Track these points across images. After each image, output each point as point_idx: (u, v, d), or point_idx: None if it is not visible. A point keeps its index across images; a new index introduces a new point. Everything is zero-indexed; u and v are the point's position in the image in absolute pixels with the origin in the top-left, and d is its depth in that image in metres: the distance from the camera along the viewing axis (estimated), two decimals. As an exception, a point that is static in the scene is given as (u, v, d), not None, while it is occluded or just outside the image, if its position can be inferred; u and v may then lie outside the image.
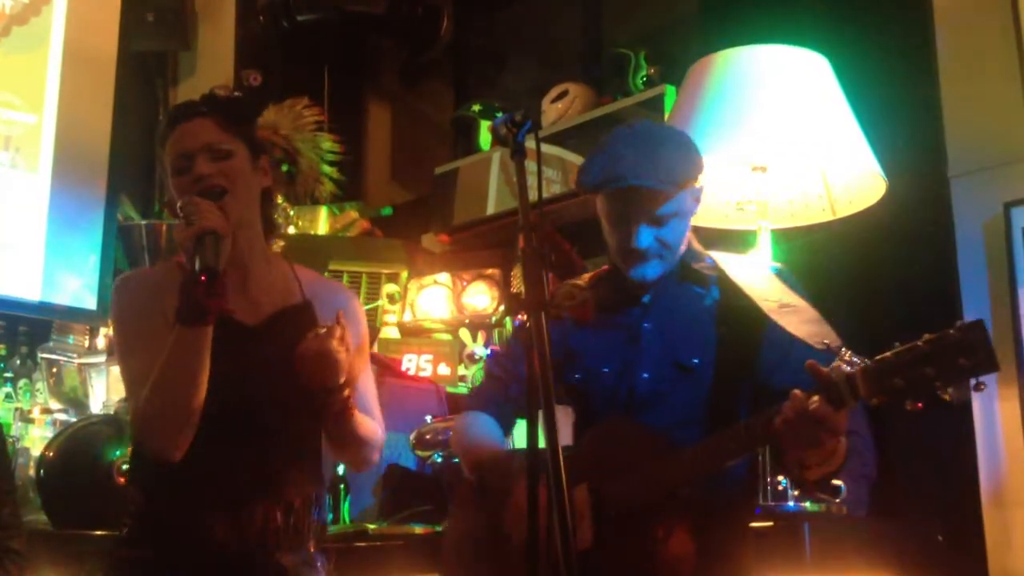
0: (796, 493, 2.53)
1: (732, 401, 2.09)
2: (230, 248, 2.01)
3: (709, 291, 2.18)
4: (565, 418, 2.63)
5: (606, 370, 2.14)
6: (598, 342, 2.19)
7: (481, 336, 4.01)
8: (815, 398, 1.81)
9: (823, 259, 3.18)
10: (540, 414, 1.68)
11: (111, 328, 2.20)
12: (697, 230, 3.06)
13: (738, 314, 2.10)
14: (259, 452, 2.09)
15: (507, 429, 2.33)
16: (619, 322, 2.18)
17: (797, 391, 1.83)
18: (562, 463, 1.65)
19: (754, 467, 2.21)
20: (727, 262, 2.20)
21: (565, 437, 2.72)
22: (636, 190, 2.12)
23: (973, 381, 1.71)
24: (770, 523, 2.44)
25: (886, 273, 3.21)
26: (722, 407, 2.06)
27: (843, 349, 1.82)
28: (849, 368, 1.78)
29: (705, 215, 3.08)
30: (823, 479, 2.00)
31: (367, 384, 2.24)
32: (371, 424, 2.19)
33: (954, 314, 3.11)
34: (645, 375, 2.12)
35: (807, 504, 2.52)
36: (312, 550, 2.15)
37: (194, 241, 1.94)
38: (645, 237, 2.13)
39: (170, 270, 2.17)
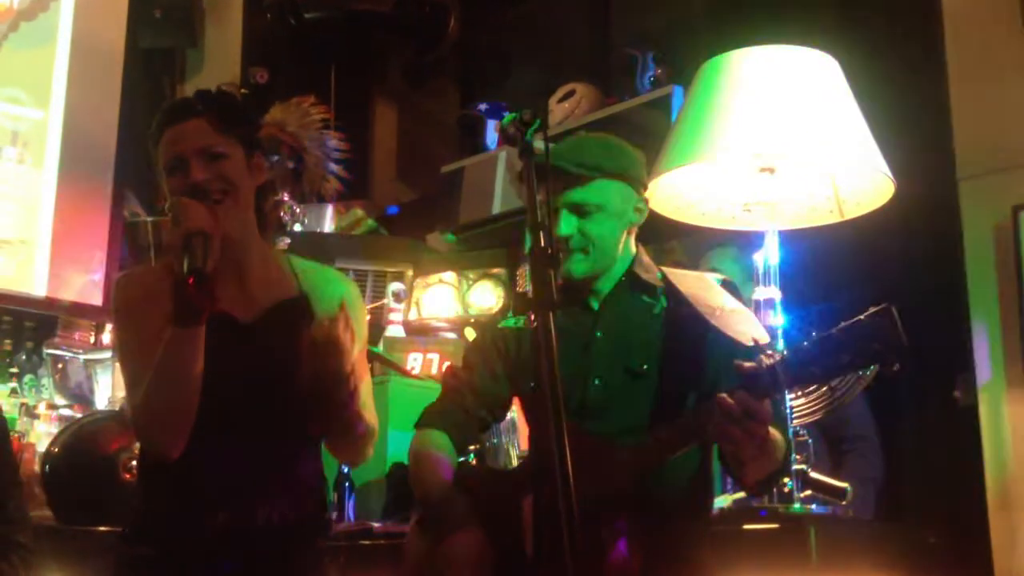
0: (802, 495, 2.53)
1: (678, 407, 2.14)
2: (219, 248, 1.99)
3: (658, 300, 2.24)
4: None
5: (559, 377, 2.15)
6: None
7: (486, 335, 4.00)
8: (738, 391, 1.89)
9: (831, 261, 3.17)
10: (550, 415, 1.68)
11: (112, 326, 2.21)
12: (700, 233, 3.09)
13: (684, 322, 2.17)
14: (259, 448, 2.09)
15: (463, 444, 2.34)
16: (572, 330, 2.19)
17: (723, 394, 1.91)
18: (564, 469, 1.66)
19: (706, 466, 2.23)
20: (674, 274, 2.29)
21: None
22: (559, 172, 2.17)
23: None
24: (775, 525, 2.43)
25: (894, 275, 3.20)
26: (669, 413, 2.10)
27: (771, 346, 1.93)
28: (770, 360, 1.87)
29: (712, 216, 3.08)
30: (768, 479, 2.09)
31: (362, 373, 2.21)
32: (368, 416, 2.19)
33: (962, 316, 3.11)
34: (597, 381, 2.17)
35: (813, 506, 2.52)
36: (317, 545, 2.16)
37: (182, 242, 1.94)
38: (566, 224, 2.19)
39: (168, 268, 2.14)
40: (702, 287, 2.23)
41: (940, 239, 3.14)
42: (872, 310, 1.80)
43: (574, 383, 2.15)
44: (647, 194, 2.33)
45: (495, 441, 3.21)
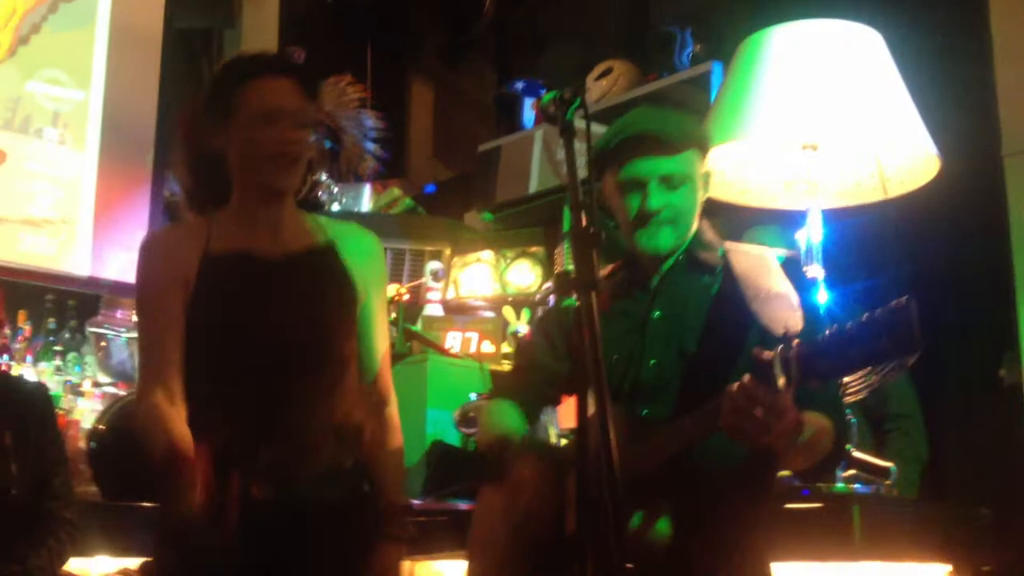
0: (845, 475, 2.51)
1: (713, 391, 2.02)
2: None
3: (715, 280, 2.17)
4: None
5: (615, 357, 2.13)
6: (609, 329, 2.18)
7: (524, 314, 4.01)
8: (749, 378, 1.82)
9: (874, 239, 3.14)
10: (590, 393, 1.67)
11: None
12: (742, 211, 3.06)
13: (731, 304, 2.11)
14: (306, 387, 2.10)
15: (530, 417, 2.33)
16: (628, 310, 2.17)
17: (746, 376, 1.83)
18: (613, 442, 1.64)
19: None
20: (736, 251, 2.20)
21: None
22: (644, 141, 2.13)
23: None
24: (819, 504, 2.42)
25: (938, 253, 3.17)
26: (704, 397, 2.00)
27: (797, 335, 1.83)
28: (787, 352, 1.79)
29: (754, 195, 3.06)
30: (818, 468, 2.03)
31: (382, 329, 2.26)
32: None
33: (1008, 294, 3.07)
34: (652, 362, 2.12)
35: (856, 486, 2.50)
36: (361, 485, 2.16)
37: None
38: (657, 198, 2.13)
39: (194, 229, 2.17)
40: (758, 266, 2.14)
41: (985, 216, 3.10)
42: (891, 304, 1.68)
43: (629, 364, 2.12)
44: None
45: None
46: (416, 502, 3.12)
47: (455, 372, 3.61)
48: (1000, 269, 3.04)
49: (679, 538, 1.95)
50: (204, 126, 2.16)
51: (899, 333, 1.66)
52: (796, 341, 1.78)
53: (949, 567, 2.59)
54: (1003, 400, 3.03)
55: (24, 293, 3.83)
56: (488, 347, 3.96)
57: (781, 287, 2.08)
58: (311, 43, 5.18)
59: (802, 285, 2.12)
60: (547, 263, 4.17)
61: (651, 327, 2.15)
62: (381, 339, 2.26)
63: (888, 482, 2.55)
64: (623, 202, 2.18)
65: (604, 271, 2.26)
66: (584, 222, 1.77)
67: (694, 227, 2.20)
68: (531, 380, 2.29)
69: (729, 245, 2.23)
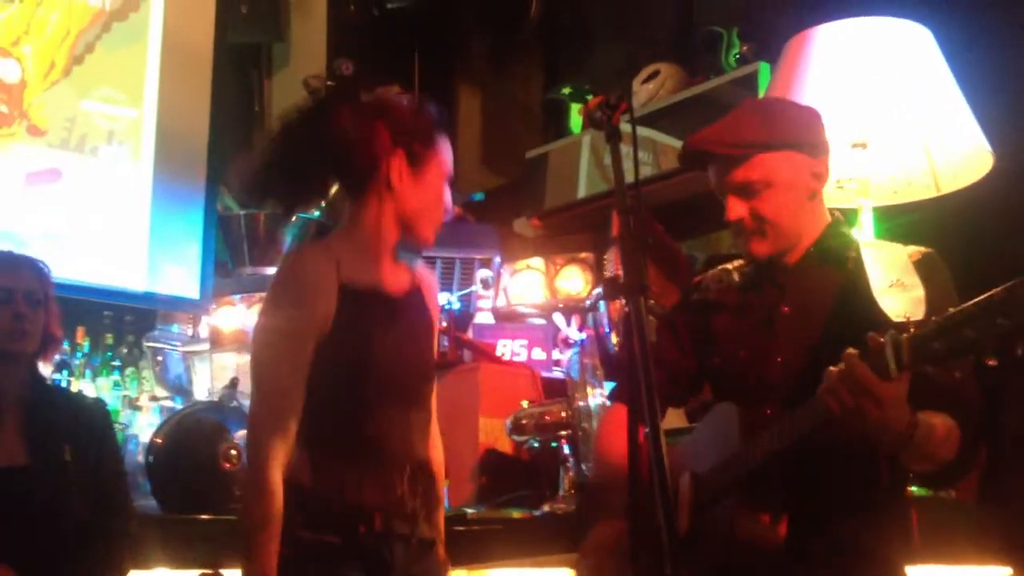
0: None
1: None
2: None
3: (845, 274, 2.07)
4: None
5: (742, 354, 2.09)
6: (736, 326, 2.14)
7: (575, 320, 4.00)
8: (849, 354, 1.75)
9: (927, 238, 3.08)
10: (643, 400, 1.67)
11: (270, 291, 2.20)
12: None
13: (856, 298, 2.01)
14: (420, 417, 2.22)
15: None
16: (757, 305, 2.11)
17: (847, 357, 1.76)
18: (664, 451, 1.63)
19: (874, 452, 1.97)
20: (868, 246, 2.11)
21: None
22: (708, 156, 2.10)
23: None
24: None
25: (994, 250, 3.11)
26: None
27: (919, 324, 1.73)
28: (899, 336, 1.71)
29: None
30: (941, 475, 1.93)
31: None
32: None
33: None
34: (779, 360, 2.05)
35: (914, 488, 2.46)
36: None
37: None
38: (734, 209, 2.08)
39: (327, 252, 2.17)
40: (889, 260, 2.04)
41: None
42: (1007, 284, 1.60)
43: (755, 360, 2.07)
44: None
45: (586, 426, 3.20)
46: (470, 511, 3.12)
47: (507, 380, 3.61)
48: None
49: (797, 539, 1.91)
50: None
51: (1020, 311, 1.58)
52: (911, 326, 1.70)
53: (1009, 570, 2.54)
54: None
55: (82, 309, 3.89)
56: (539, 354, 3.95)
57: (908, 279, 1.98)
58: (359, 54, 5.22)
59: (936, 281, 2.00)
60: (597, 268, 4.16)
61: (779, 323, 2.07)
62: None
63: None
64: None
65: (734, 264, 2.23)
66: (632, 226, 1.77)
67: (802, 225, 2.09)
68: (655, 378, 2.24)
69: (863, 240, 2.15)
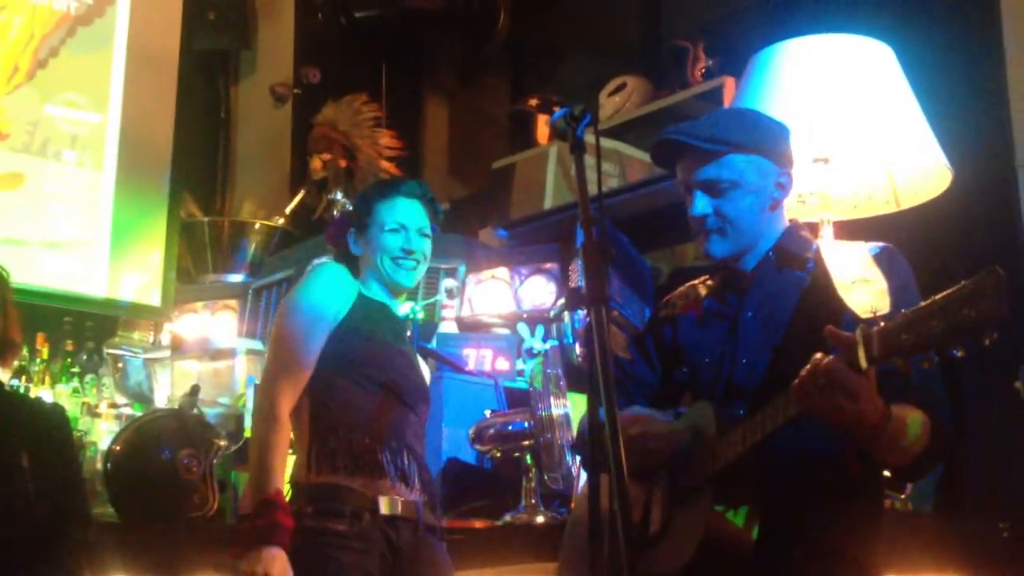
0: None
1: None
2: None
3: (806, 276, 2.10)
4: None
5: (707, 360, 2.12)
6: (702, 334, 2.17)
7: (539, 330, 4.01)
8: (829, 357, 1.76)
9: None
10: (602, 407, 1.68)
11: (290, 297, 2.51)
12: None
13: (820, 298, 2.03)
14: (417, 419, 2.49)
15: None
16: (722, 312, 2.14)
17: (818, 354, 1.78)
18: (622, 455, 1.64)
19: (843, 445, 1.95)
20: (828, 247, 2.14)
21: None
22: (681, 149, 2.12)
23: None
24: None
25: (952, 265, 3.14)
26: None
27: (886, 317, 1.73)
28: (869, 330, 1.71)
29: (766, 208, 3.06)
30: (908, 468, 1.91)
31: None
32: None
33: (1022, 305, 3.05)
34: (744, 362, 2.07)
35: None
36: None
37: None
38: (700, 204, 2.10)
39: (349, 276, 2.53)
40: (849, 257, 2.06)
41: (998, 227, 3.09)
42: (977, 274, 1.59)
43: (721, 365, 2.09)
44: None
45: (549, 436, 3.20)
46: (431, 520, 3.12)
47: (470, 390, 3.61)
48: (1013, 279, 3.02)
49: (769, 539, 1.92)
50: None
51: (985, 302, 1.58)
52: (880, 320, 1.70)
53: (967, 581, 2.57)
54: (1020, 413, 3.01)
55: (42, 315, 3.86)
56: (503, 364, 3.95)
57: (871, 274, 2.00)
58: (326, 62, 5.23)
59: (897, 273, 2.02)
60: (562, 279, 4.17)
61: (742, 327, 2.10)
62: None
63: (903, 495, 2.54)
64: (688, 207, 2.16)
65: (700, 280, 2.24)
66: (595, 238, 1.78)
67: (760, 230, 2.12)
68: (625, 390, 2.23)
69: (822, 242, 2.17)
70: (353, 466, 2.37)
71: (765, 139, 2.13)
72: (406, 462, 2.41)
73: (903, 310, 1.68)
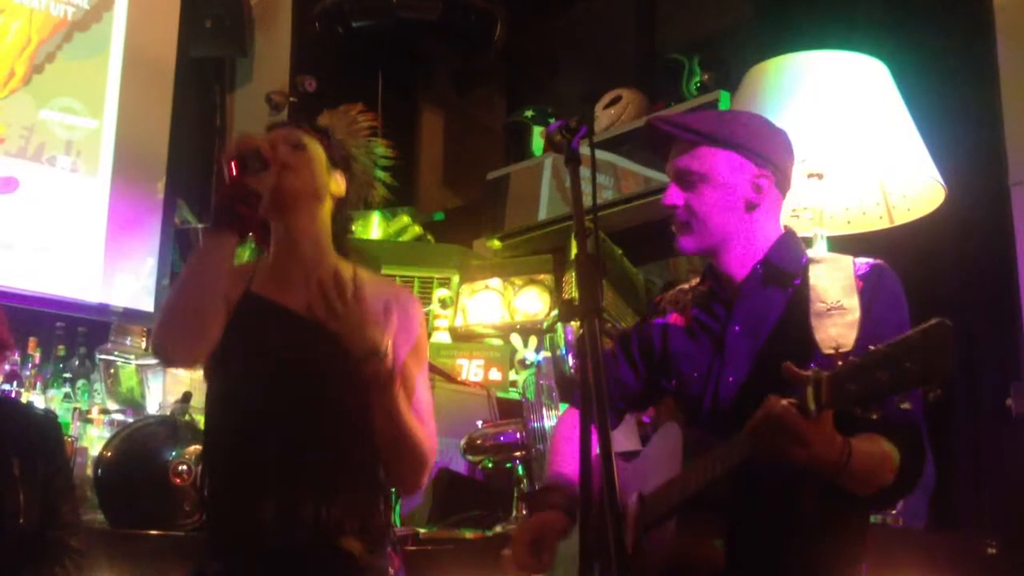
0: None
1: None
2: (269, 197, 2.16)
3: (792, 291, 2.04)
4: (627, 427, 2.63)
5: (696, 375, 2.08)
6: (691, 346, 2.14)
7: (532, 341, 4.01)
8: (784, 401, 1.71)
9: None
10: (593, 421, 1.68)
11: None
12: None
13: (799, 320, 1.97)
14: (311, 444, 2.12)
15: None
16: (709, 325, 2.10)
17: (773, 396, 1.73)
18: (615, 471, 1.64)
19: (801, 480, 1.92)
20: (817, 261, 2.07)
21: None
22: (658, 135, 2.11)
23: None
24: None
25: (945, 282, 3.16)
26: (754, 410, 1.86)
27: (847, 355, 1.67)
28: (819, 375, 1.67)
29: (760, 222, 3.06)
30: (877, 498, 1.89)
31: (423, 391, 2.28)
32: (422, 429, 2.20)
33: (1015, 323, 3.06)
34: (731, 379, 2.03)
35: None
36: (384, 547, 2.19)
37: (238, 155, 2.11)
38: (671, 195, 2.08)
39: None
40: (832, 276, 2.00)
41: (992, 245, 3.10)
42: (923, 325, 1.53)
43: (708, 382, 2.05)
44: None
45: (541, 447, 3.20)
46: (422, 530, 3.12)
47: (462, 399, 3.61)
48: (1007, 298, 3.03)
49: (738, 564, 1.88)
50: None
51: (929, 357, 1.52)
52: (838, 362, 1.64)
53: (957, 597, 2.57)
54: (1011, 430, 3.02)
55: (35, 320, 3.86)
56: (496, 374, 3.96)
57: (847, 300, 1.93)
58: (322, 71, 5.23)
59: (886, 291, 1.96)
60: (555, 290, 4.18)
61: (730, 342, 2.05)
62: (425, 410, 2.35)
63: (894, 511, 2.54)
64: None
65: (689, 284, 2.22)
66: (589, 249, 1.78)
67: (728, 230, 2.07)
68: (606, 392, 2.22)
69: (811, 253, 2.12)
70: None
71: (741, 135, 2.08)
72: None
73: (850, 359, 1.63)
